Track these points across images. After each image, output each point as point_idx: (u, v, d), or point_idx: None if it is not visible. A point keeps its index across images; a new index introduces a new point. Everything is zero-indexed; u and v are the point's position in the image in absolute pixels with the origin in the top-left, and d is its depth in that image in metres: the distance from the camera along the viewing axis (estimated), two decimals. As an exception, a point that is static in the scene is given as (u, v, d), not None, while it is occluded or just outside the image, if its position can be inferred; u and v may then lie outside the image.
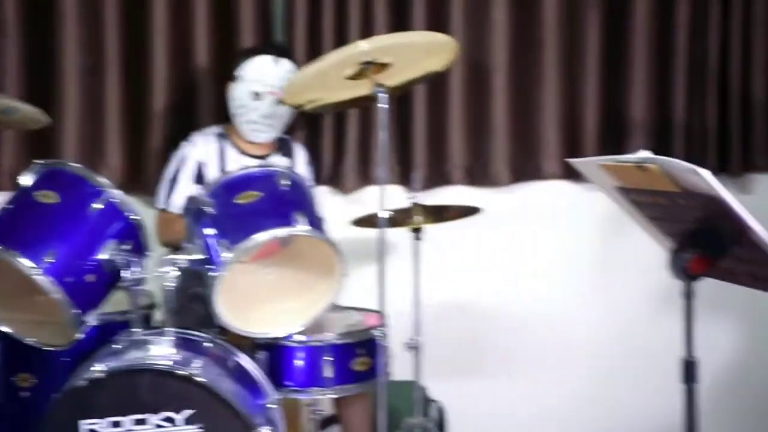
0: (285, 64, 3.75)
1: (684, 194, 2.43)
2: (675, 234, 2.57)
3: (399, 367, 3.51)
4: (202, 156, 3.74)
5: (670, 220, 2.56)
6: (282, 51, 3.80)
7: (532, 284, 4.35)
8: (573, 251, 4.36)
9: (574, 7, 4.23)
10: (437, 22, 4.12)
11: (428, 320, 3.70)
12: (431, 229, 3.66)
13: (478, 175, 4.28)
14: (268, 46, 3.87)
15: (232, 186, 3.10)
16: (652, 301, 4.24)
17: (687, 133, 4.24)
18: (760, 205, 4.21)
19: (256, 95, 3.74)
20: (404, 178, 4.15)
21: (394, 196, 3.75)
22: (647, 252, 2.88)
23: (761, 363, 4.37)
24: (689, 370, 2.46)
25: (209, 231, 3.02)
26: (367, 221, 3.55)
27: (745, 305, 4.28)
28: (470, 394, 4.31)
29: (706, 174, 2.28)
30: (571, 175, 4.19)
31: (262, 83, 3.73)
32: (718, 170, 4.25)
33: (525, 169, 4.29)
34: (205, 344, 3.12)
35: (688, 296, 2.49)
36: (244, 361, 3.14)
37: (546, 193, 4.32)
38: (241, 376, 3.07)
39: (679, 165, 2.38)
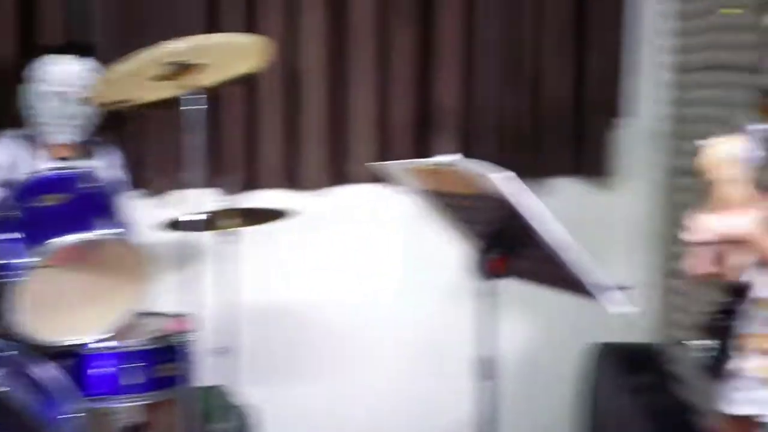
0: (86, 63, 3.68)
1: (485, 196, 2.48)
2: (477, 235, 2.62)
3: (214, 372, 3.49)
4: (7, 159, 3.64)
5: (472, 221, 2.61)
6: (83, 50, 3.72)
7: (346, 286, 4.39)
8: (384, 253, 4.41)
9: (386, 11, 4.27)
10: (251, 24, 4.11)
11: (245, 324, 3.69)
12: (245, 233, 3.65)
13: (293, 178, 4.29)
14: (68, 44, 3.79)
15: (33, 189, 3.03)
16: (456, 300, 4.32)
17: (493, 138, 4.33)
18: (562, 207, 4.33)
19: (56, 95, 3.65)
20: (218, 182, 4.12)
21: (207, 200, 3.73)
22: (452, 252, 2.94)
23: (555, 358, 4.50)
24: (488, 367, 2.51)
25: (10, 235, 2.94)
26: (180, 225, 3.51)
27: (543, 303, 4.40)
28: (288, 397, 4.32)
29: (503, 177, 2.33)
30: (383, 178, 4.23)
31: (62, 83, 3.64)
32: (524, 175, 4.34)
33: (339, 173, 4.32)
34: (2, 354, 3.02)
35: (489, 295, 2.54)
36: (45, 370, 3.06)
37: (359, 196, 4.36)
38: (39, 386, 2.99)
39: (478, 168, 2.42)
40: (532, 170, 4.37)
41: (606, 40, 4.38)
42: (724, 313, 2.43)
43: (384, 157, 4.17)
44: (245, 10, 4.14)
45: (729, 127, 2.02)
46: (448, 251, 2.97)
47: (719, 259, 2.41)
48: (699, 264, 2.53)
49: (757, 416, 2.41)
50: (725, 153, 2.00)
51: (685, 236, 2.18)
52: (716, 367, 2.51)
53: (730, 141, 2.02)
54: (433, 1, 4.28)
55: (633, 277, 4.52)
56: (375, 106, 4.29)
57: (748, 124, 1.98)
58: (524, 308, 4.43)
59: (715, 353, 2.49)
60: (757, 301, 2.41)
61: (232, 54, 3.34)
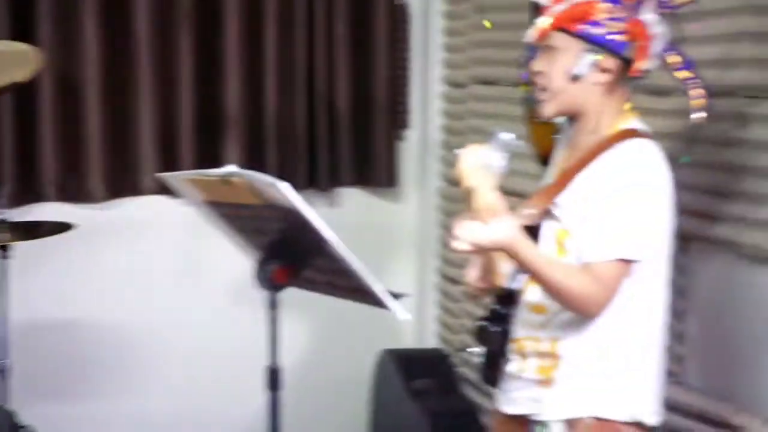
0: None
1: (267, 207, 2.49)
2: (260, 245, 2.63)
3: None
4: None
5: (256, 232, 2.62)
6: None
7: (132, 300, 4.31)
8: (170, 265, 4.36)
9: (165, 18, 4.22)
10: (22, 32, 3.97)
11: (18, 341, 3.58)
12: (22, 247, 3.55)
13: (73, 191, 4.19)
14: None
15: None
16: (243, 311, 4.31)
17: (280, 148, 4.35)
18: (346, 217, 4.45)
19: None
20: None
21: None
22: (238, 263, 2.94)
23: (343, 366, 4.55)
24: (273, 377, 2.52)
25: None
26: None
27: (327, 313, 4.45)
28: (69, 416, 4.21)
29: (284, 187, 2.35)
30: (168, 189, 4.19)
31: None
32: (308, 185, 4.40)
33: (122, 185, 4.25)
34: None
35: (273, 305, 2.55)
36: None
37: (144, 208, 4.29)
38: None
39: (261, 178, 2.44)
40: (317, 181, 4.41)
41: (389, 53, 4.46)
42: (495, 318, 2.52)
43: (169, 168, 4.12)
44: (14, 18, 4.00)
45: (487, 137, 2.09)
46: (234, 262, 2.96)
47: (489, 267, 2.50)
48: (472, 273, 2.62)
49: (530, 415, 2.50)
50: (471, 161, 2.08)
51: (452, 245, 2.25)
52: (488, 371, 2.59)
53: (476, 149, 2.09)
54: (215, 7, 4.26)
55: (417, 285, 4.61)
56: (158, 115, 4.23)
57: (498, 132, 2.06)
58: (312, 317, 4.45)
59: (485, 358, 2.57)
60: (525, 306, 2.50)
61: (0, 63, 3.24)
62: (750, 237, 2.68)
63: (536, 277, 2.33)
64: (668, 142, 2.88)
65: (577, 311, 2.37)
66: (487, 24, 2.66)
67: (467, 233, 2.21)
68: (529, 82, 2.57)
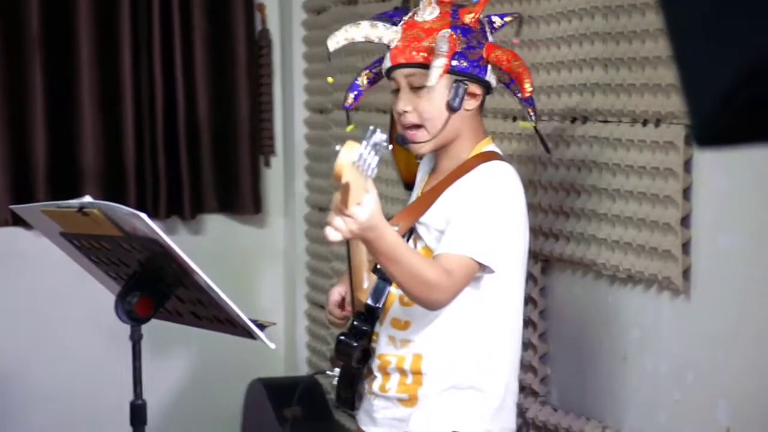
0: None
1: (127, 238, 2.45)
2: (121, 278, 2.59)
3: None
4: None
5: (116, 263, 2.58)
6: None
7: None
8: (26, 298, 4.26)
9: (15, 50, 4.14)
10: None
11: None
12: None
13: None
14: None
15: None
16: (106, 345, 4.24)
17: (138, 178, 4.30)
18: (212, 245, 4.42)
19: None
20: None
21: None
22: (98, 295, 2.88)
23: (205, 397, 4.50)
24: (137, 413, 2.48)
25: None
26: None
27: (195, 344, 4.40)
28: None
29: (144, 217, 2.32)
30: (24, 221, 4.09)
31: None
32: (171, 213, 4.35)
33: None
34: None
35: (136, 339, 2.51)
36: None
37: (-1, 241, 4.21)
38: None
39: (119, 209, 2.40)
40: (180, 208, 4.37)
41: (251, 79, 4.45)
42: (355, 334, 2.52)
43: (22, 199, 4.03)
44: None
45: (364, 134, 2.09)
46: (94, 295, 2.91)
47: (355, 285, 2.50)
48: (333, 298, 2.62)
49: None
50: (348, 157, 2.08)
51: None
52: (343, 390, 2.60)
53: (353, 146, 2.10)
54: (68, 35, 4.20)
55: (285, 312, 4.60)
56: (9, 147, 4.14)
57: (374, 131, 2.07)
58: (181, 348, 4.40)
59: (341, 377, 2.58)
60: (389, 322, 2.52)
61: None
62: (606, 257, 2.74)
63: (395, 263, 2.29)
64: (521, 165, 2.95)
65: (425, 302, 2.39)
66: (329, 80, 2.78)
67: (342, 221, 2.18)
68: (349, 119, 2.65)
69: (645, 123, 2.63)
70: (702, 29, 1.10)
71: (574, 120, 2.87)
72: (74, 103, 4.22)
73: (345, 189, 2.10)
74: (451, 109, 2.46)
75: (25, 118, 4.16)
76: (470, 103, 2.49)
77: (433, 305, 2.41)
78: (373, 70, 2.65)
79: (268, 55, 4.54)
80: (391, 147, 2.14)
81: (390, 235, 2.27)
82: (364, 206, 2.16)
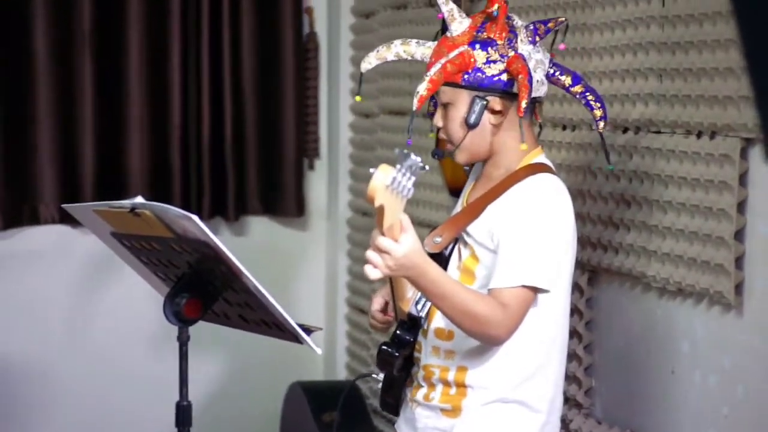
0: None
1: (177, 239, 2.45)
2: (170, 279, 2.59)
3: None
4: None
5: (165, 265, 2.58)
6: None
7: (22, 335, 4.21)
8: (70, 296, 4.28)
9: (66, 47, 4.16)
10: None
11: None
12: None
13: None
14: None
15: None
16: (151, 346, 4.25)
17: (184, 179, 4.31)
18: (254, 246, 4.42)
19: None
20: None
21: None
22: (144, 296, 2.90)
23: (246, 399, 4.50)
24: (183, 414, 2.48)
25: None
26: None
27: (236, 347, 4.40)
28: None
29: (196, 219, 2.32)
30: (70, 219, 4.12)
31: None
32: (215, 214, 4.36)
33: (19, 214, 4.17)
34: None
35: (183, 340, 2.51)
36: None
37: (43, 238, 4.22)
38: None
39: (171, 211, 2.40)
40: (224, 210, 4.38)
41: (298, 81, 4.46)
42: (397, 343, 2.51)
43: (70, 197, 4.06)
44: None
45: (397, 157, 2.10)
46: (142, 295, 2.92)
47: (397, 294, 2.49)
48: (375, 305, 2.62)
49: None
50: (382, 179, 2.09)
51: (365, 272, 2.23)
52: (387, 397, 2.59)
53: (387, 169, 2.10)
54: (118, 33, 4.22)
55: (326, 316, 4.59)
56: (58, 145, 4.17)
57: (408, 154, 2.08)
58: (222, 351, 4.41)
59: (384, 383, 2.57)
60: (432, 332, 2.50)
61: None
62: (656, 269, 2.72)
63: (441, 300, 2.32)
64: (571, 174, 2.93)
65: (481, 337, 2.38)
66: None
67: (379, 258, 2.19)
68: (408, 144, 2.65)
69: (699, 135, 2.61)
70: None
71: (626, 130, 2.85)
72: (122, 102, 4.23)
73: (379, 212, 2.12)
74: (468, 125, 2.45)
75: (74, 116, 4.18)
76: (495, 118, 2.46)
77: (490, 341, 2.40)
78: None
79: (316, 59, 4.54)
80: (428, 168, 2.14)
81: (433, 273, 2.27)
82: (402, 243, 2.17)
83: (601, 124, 2.51)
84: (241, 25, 4.36)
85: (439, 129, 2.53)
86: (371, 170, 2.11)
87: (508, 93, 2.45)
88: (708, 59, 2.55)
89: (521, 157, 2.49)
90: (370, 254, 2.20)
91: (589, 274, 3.00)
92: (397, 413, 2.62)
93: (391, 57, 2.57)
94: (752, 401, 2.50)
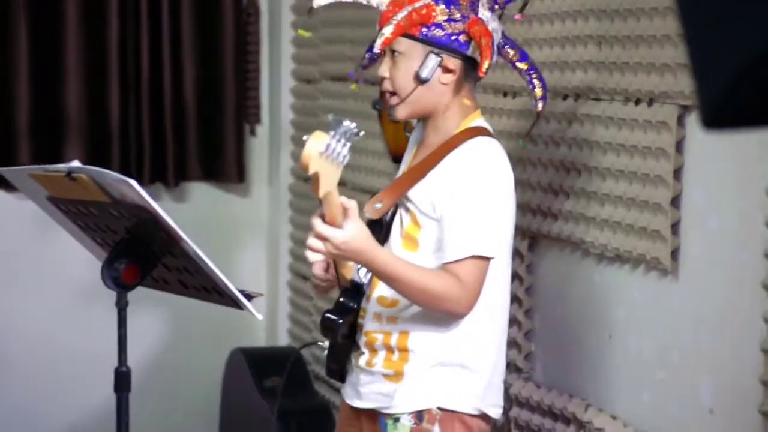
0: None
1: (115, 204, 2.43)
2: (107, 244, 2.57)
3: None
4: None
5: (103, 230, 2.56)
6: None
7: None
8: (7, 262, 4.24)
9: (1, 17, 4.10)
10: None
11: None
12: None
13: None
14: None
15: None
16: (89, 312, 4.22)
17: (123, 143, 4.27)
18: (195, 213, 4.40)
19: None
20: None
21: None
22: (82, 261, 2.87)
23: (187, 365, 4.49)
24: (122, 380, 2.47)
25: None
26: None
27: (176, 312, 4.38)
28: None
29: (134, 184, 2.30)
30: (4, 184, 4.07)
31: None
32: (154, 180, 4.33)
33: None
34: None
35: (122, 306, 2.49)
36: None
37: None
38: None
39: (108, 175, 2.38)
40: (164, 175, 4.35)
41: (238, 47, 4.43)
42: (341, 310, 2.51)
43: (6, 162, 4.01)
44: None
45: (330, 123, 2.10)
46: (79, 261, 2.89)
47: (340, 261, 2.50)
48: (317, 267, 2.61)
49: (380, 408, 2.51)
50: (316, 147, 2.09)
51: (306, 256, 2.26)
52: (333, 364, 2.60)
53: (322, 136, 2.10)
54: (54, 3, 4.16)
55: (268, 282, 4.59)
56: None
57: (341, 120, 2.07)
58: (162, 317, 4.39)
59: (330, 350, 2.58)
60: (375, 299, 2.51)
61: None
62: (594, 235, 2.74)
63: (395, 282, 2.35)
64: (511, 141, 2.94)
65: (443, 313, 2.40)
66: (301, 32, 2.69)
67: (320, 244, 2.22)
68: (357, 80, 2.60)
69: (638, 102, 2.62)
70: (715, 11, 1.09)
71: (566, 97, 2.86)
72: (60, 66, 4.18)
73: (315, 179, 2.12)
74: (419, 79, 2.43)
75: (9, 78, 4.13)
76: (446, 77, 2.45)
77: (453, 315, 2.41)
78: None
79: (256, 23, 4.51)
80: (362, 134, 2.13)
81: (382, 257, 2.29)
82: (345, 230, 2.18)
83: (540, 104, 2.52)
84: (181, -12, 4.32)
85: (382, 80, 2.49)
86: (304, 138, 2.11)
87: (461, 54, 2.44)
88: (646, 26, 2.57)
89: (460, 120, 2.49)
90: (311, 242, 2.22)
91: (530, 240, 3.02)
92: (342, 380, 2.63)
93: None
94: (686, 366, 2.54)
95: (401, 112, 2.49)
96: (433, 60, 2.42)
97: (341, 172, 2.15)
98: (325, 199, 2.18)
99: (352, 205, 2.23)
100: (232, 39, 4.41)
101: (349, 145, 2.10)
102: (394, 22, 2.40)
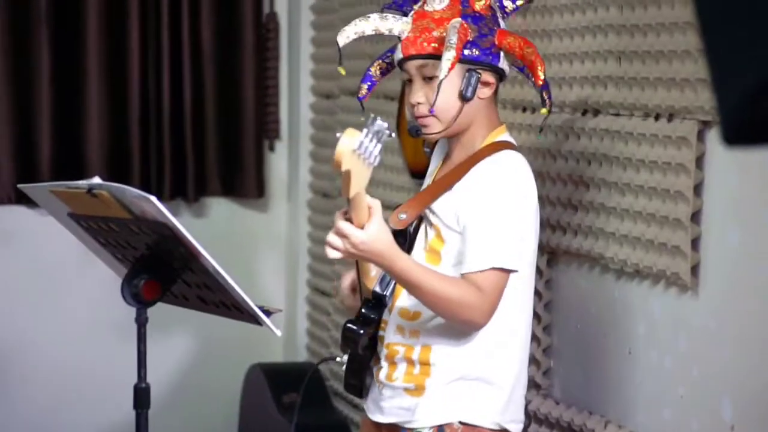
0: None
1: (135, 220, 2.44)
2: (128, 260, 2.58)
3: None
4: None
5: (123, 246, 2.57)
6: None
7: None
8: (29, 277, 4.25)
9: (23, 28, 4.12)
10: None
11: None
12: None
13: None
14: None
15: None
16: (109, 328, 4.23)
17: (143, 159, 4.29)
18: (214, 227, 4.41)
19: None
20: None
21: None
22: (102, 278, 2.88)
23: (205, 380, 4.48)
24: (141, 396, 2.47)
25: None
26: None
27: (195, 328, 4.39)
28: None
29: (155, 200, 2.31)
30: (26, 200, 4.09)
31: None
32: (174, 196, 4.34)
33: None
34: None
35: (141, 322, 2.50)
36: None
37: (1, 219, 4.19)
38: None
39: (129, 192, 2.39)
40: (184, 191, 4.36)
41: (257, 62, 4.44)
42: (362, 322, 2.51)
43: (28, 179, 4.03)
44: None
45: (364, 122, 2.10)
46: (99, 277, 2.90)
47: (363, 272, 2.50)
48: (344, 284, 2.61)
49: (401, 423, 2.50)
50: (348, 145, 2.08)
51: (326, 253, 2.25)
52: (352, 378, 2.59)
53: (354, 134, 2.10)
54: (75, 15, 4.17)
55: (286, 298, 4.59)
56: (14, 128, 4.13)
57: (375, 119, 2.07)
58: (181, 332, 4.39)
59: (349, 365, 2.57)
60: (397, 311, 2.51)
61: None
62: (614, 251, 2.73)
63: (414, 288, 2.34)
64: (529, 156, 2.94)
65: (459, 322, 2.40)
66: (341, 71, 2.69)
67: (339, 241, 2.21)
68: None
69: (657, 117, 2.62)
70: (735, 27, 1.09)
71: (585, 112, 2.86)
72: (80, 83, 4.20)
73: (345, 178, 2.11)
74: (464, 98, 2.45)
75: (30, 96, 4.15)
76: (484, 92, 2.48)
77: (469, 325, 2.41)
78: (386, 60, 2.63)
79: (276, 39, 4.52)
80: (394, 135, 2.13)
81: (402, 263, 2.29)
82: (366, 231, 2.17)
83: (540, 81, 2.52)
84: (201, 5, 4.33)
85: (414, 106, 2.48)
86: (337, 135, 2.10)
87: (494, 67, 2.47)
88: (666, 42, 2.56)
89: (486, 133, 2.51)
90: (331, 238, 2.21)
91: (548, 256, 3.01)
92: (360, 395, 2.62)
93: (369, 31, 2.53)
94: (707, 382, 2.52)
95: (439, 134, 2.50)
96: (474, 77, 2.45)
97: (371, 174, 2.15)
98: (353, 200, 2.18)
99: (375, 204, 2.22)
100: (252, 55, 4.42)
101: (380, 146, 2.10)
102: (453, 47, 2.38)
